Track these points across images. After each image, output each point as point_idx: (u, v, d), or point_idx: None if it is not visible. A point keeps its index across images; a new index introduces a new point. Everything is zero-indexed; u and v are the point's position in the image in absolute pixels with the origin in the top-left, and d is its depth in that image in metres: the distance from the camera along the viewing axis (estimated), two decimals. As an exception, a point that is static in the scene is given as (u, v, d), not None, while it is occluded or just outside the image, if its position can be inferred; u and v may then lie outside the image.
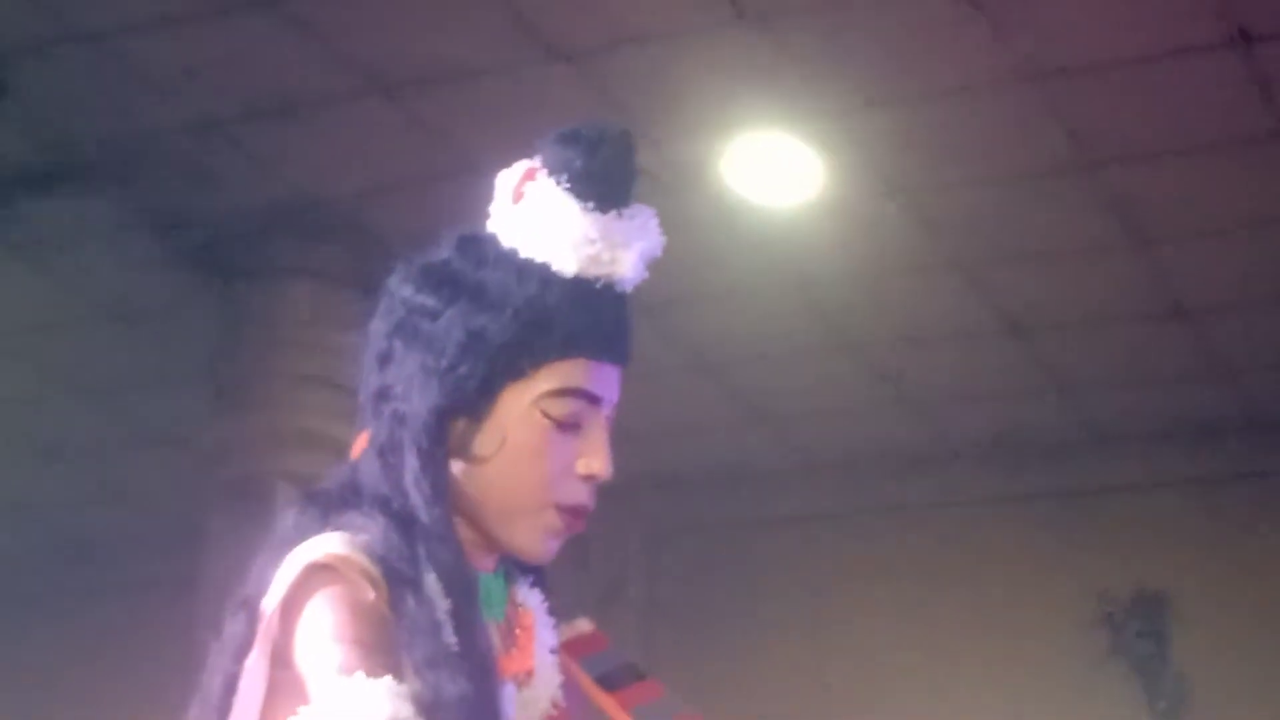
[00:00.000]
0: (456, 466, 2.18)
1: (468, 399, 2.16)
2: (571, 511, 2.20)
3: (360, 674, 1.94)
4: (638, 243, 2.21)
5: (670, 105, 6.26)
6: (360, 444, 2.25)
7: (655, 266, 2.24)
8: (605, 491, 2.23)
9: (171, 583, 8.09)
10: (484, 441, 2.18)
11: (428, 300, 2.21)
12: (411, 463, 2.15)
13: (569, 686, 2.29)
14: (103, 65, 6.29)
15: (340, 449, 7.26)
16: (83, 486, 9.13)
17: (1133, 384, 8.00)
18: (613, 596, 8.62)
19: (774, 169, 6.64)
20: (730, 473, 8.69)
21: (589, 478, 2.20)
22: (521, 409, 2.17)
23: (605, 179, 2.19)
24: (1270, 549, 8.11)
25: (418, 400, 2.17)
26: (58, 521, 9.48)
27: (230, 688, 2.13)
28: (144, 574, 9.18)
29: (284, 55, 6.22)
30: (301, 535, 2.14)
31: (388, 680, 1.93)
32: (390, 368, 2.21)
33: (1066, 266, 7.16)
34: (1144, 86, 6.23)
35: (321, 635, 2.02)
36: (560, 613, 2.33)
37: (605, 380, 2.21)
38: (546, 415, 2.17)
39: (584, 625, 2.35)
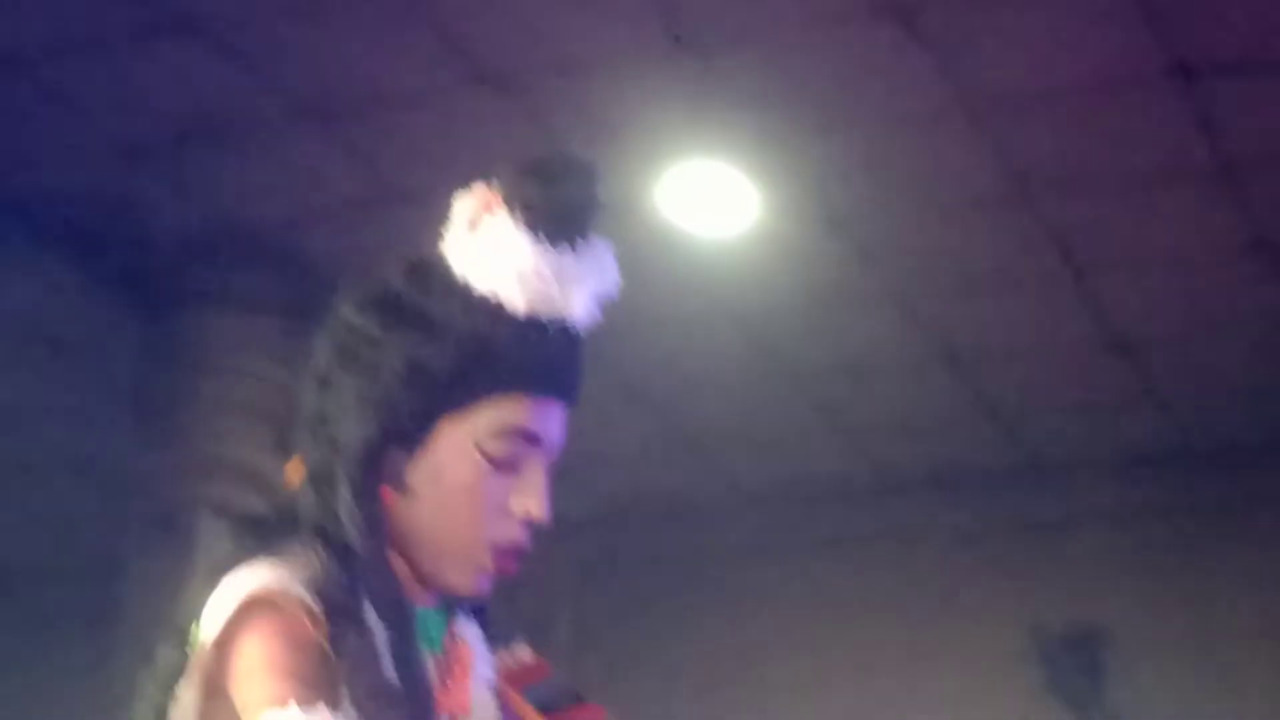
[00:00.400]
0: (390, 498, 2.13)
1: (403, 430, 2.12)
2: (505, 552, 2.16)
3: (294, 706, 1.92)
4: (591, 281, 2.16)
5: (605, 133, 6.19)
6: (296, 470, 2.21)
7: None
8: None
9: (89, 614, 8.01)
10: (417, 475, 2.13)
11: (370, 325, 2.15)
12: (344, 494, 2.11)
13: (507, 718, 2.25)
14: (27, 89, 6.19)
15: (264, 480, 7.15)
16: (0, 514, 9.01)
17: (1070, 414, 8.01)
18: (541, 632, 8.54)
19: (710, 198, 6.59)
20: (664, 505, 8.65)
21: (525, 520, 2.15)
22: (458, 444, 2.13)
23: (563, 214, 2.14)
24: (1206, 581, 8.12)
25: (353, 429, 2.12)
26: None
27: (160, 717, 2.10)
28: (61, 605, 9.08)
29: (213, 80, 6.14)
30: (238, 564, 2.10)
31: (323, 712, 1.92)
32: (328, 392, 2.16)
33: (1005, 297, 7.16)
34: (1084, 118, 6.23)
35: (258, 668, 1.99)
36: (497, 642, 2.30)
37: (548, 420, 2.16)
38: (483, 453, 2.12)
39: (524, 653, 2.31)
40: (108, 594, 7.05)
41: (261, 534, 2.17)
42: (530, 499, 2.15)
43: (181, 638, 2.12)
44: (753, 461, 8.40)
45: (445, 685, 2.19)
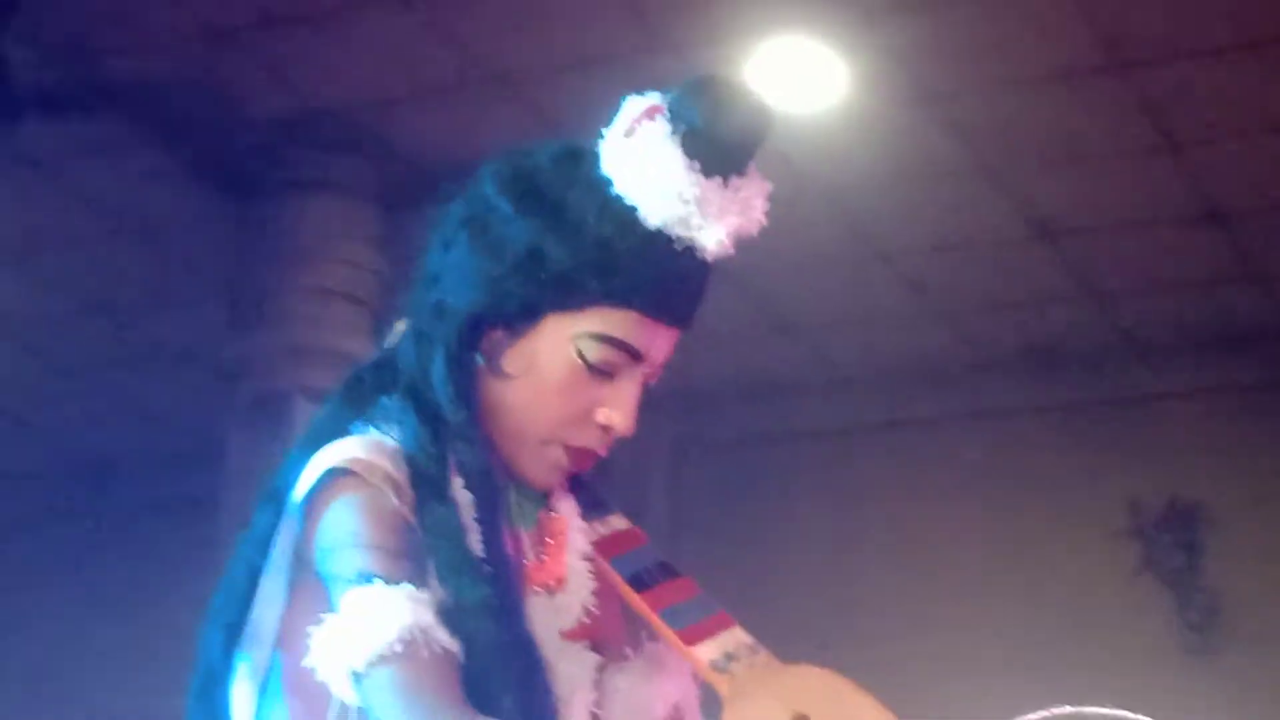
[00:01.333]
0: (484, 375, 2.16)
1: (510, 312, 2.13)
2: (579, 454, 2.17)
3: (380, 581, 1.95)
4: (733, 218, 2.12)
5: (694, 9, 6.16)
6: (401, 326, 2.24)
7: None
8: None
9: (190, 500, 8.10)
10: (513, 359, 2.14)
11: (505, 202, 2.15)
12: (439, 358, 2.14)
13: (604, 591, 2.25)
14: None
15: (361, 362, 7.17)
16: (98, 404, 9.10)
17: (1167, 290, 7.92)
18: (635, 511, 8.56)
19: (798, 75, 6.54)
20: (756, 385, 8.63)
21: (606, 428, 2.16)
22: (559, 340, 2.13)
23: (721, 144, 2.10)
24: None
25: (462, 297, 2.14)
26: (73, 440, 9.45)
27: (254, 579, 2.13)
28: (162, 492, 9.18)
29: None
30: (335, 427, 2.15)
31: (407, 586, 1.95)
32: (449, 255, 2.18)
33: (1098, 170, 7.08)
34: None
35: (340, 541, 2.02)
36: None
37: (653, 339, 2.16)
38: (581, 355, 2.12)
39: (619, 522, 2.32)
40: (207, 480, 7.13)
41: (360, 394, 2.20)
42: (617, 410, 2.15)
43: (277, 502, 2.14)
44: (845, 340, 8.37)
45: (539, 559, 2.20)
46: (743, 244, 2.15)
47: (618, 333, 2.13)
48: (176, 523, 8.66)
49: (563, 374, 2.14)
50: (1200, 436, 8.21)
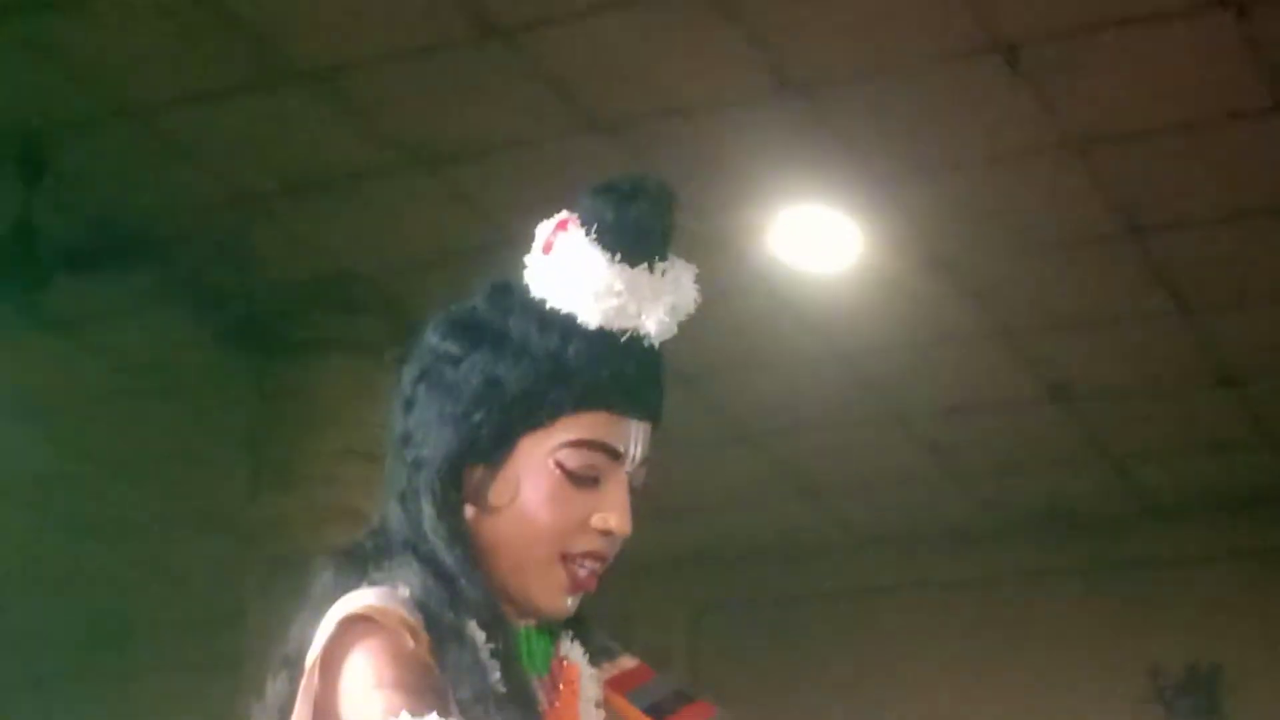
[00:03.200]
0: (472, 515, 2.17)
1: (483, 446, 2.15)
2: (583, 558, 2.17)
3: (405, 714, 1.92)
4: (667, 297, 2.15)
5: (713, 175, 6.24)
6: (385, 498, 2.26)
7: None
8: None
9: (213, 663, 8.07)
10: (498, 491, 2.16)
11: (451, 346, 2.20)
12: (428, 509, 2.14)
13: None
14: (143, 140, 6.31)
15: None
16: (122, 565, 9.11)
17: (1183, 454, 7.94)
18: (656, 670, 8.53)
19: (816, 239, 6.63)
20: (775, 546, 8.64)
21: (605, 533, 2.16)
22: (537, 459, 2.15)
23: (636, 231, 2.15)
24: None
25: (434, 446, 2.16)
26: (97, 600, 9.45)
27: None
28: (185, 654, 9.16)
29: (324, 130, 6.23)
30: (339, 590, 2.13)
31: (433, 718, 1.92)
32: (413, 413, 2.20)
33: (1112, 334, 7.12)
34: (1189, 153, 6.20)
35: (364, 684, 2.02)
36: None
37: (627, 435, 2.17)
38: (561, 467, 2.14)
39: (628, 662, 2.31)
40: (229, 641, 7.12)
41: (358, 560, 2.20)
42: (610, 512, 2.16)
43: (290, 669, 2.14)
44: (864, 502, 8.38)
45: (553, 706, 2.20)
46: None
47: (591, 435, 2.15)
48: (200, 684, 8.63)
49: (549, 490, 2.16)
50: (1219, 600, 8.19)
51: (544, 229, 2.20)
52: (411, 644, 2.05)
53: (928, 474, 8.11)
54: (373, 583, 2.13)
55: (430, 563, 2.14)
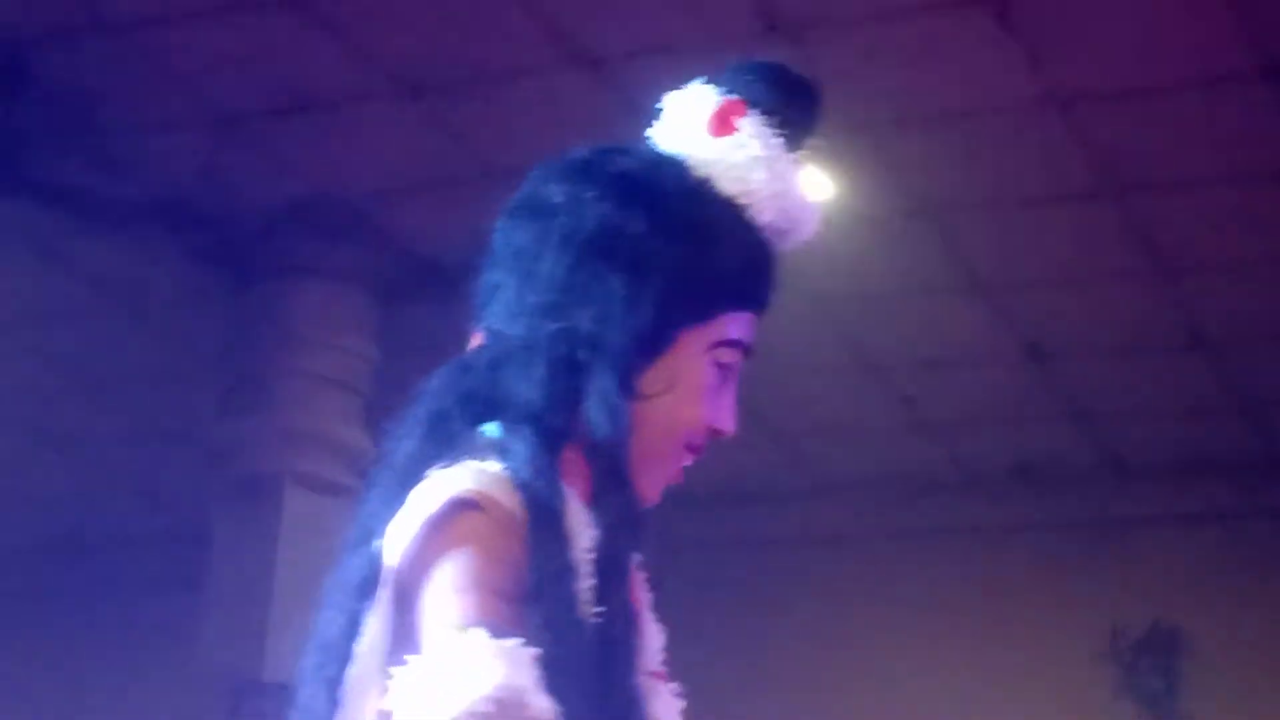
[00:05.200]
0: None
1: (659, 338, 2.04)
2: (693, 452, 2.10)
3: (485, 631, 1.78)
4: (815, 203, 2.11)
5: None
6: (476, 345, 2.10)
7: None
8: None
9: (175, 581, 8.07)
10: (653, 380, 2.05)
11: (635, 220, 2.05)
12: (607, 389, 2.00)
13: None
14: (125, 57, 6.25)
15: (351, 451, 7.13)
16: (87, 481, 9.07)
17: (1153, 415, 7.93)
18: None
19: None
20: (741, 491, 8.62)
21: (717, 432, 2.09)
22: (696, 353, 2.06)
23: (811, 131, 2.10)
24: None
25: (619, 324, 2.02)
26: (61, 516, 9.41)
27: (352, 630, 1.97)
28: (147, 571, 9.14)
29: (307, 52, 6.18)
30: (429, 463, 1.99)
31: (513, 640, 1.78)
32: (577, 277, 2.04)
33: (1089, 293, 7.11)
34: (1173, 115, 6.19)
35: (454, 582, 1.87)
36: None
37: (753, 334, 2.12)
38: (717, 363, 2.07)
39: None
40: (193, 560, 7.12)
41: (445, 432, 2.03)
42: (728, 412, 2.10)
43: (369, 547, 1.98)
44: (834, 451, 8.37)
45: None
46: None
47: (741, 335, 2.09)
48: (161, 601, 8.63)
49: (705, 384, 2.07)
50: (1181, 562, 8.20)
51: (700, 104, 2.10)
52: (511, 540, 1.90)
53: (896, 424, 8.10)
54: (470, 451, 1.98)
55: (552, 439, 1.99)
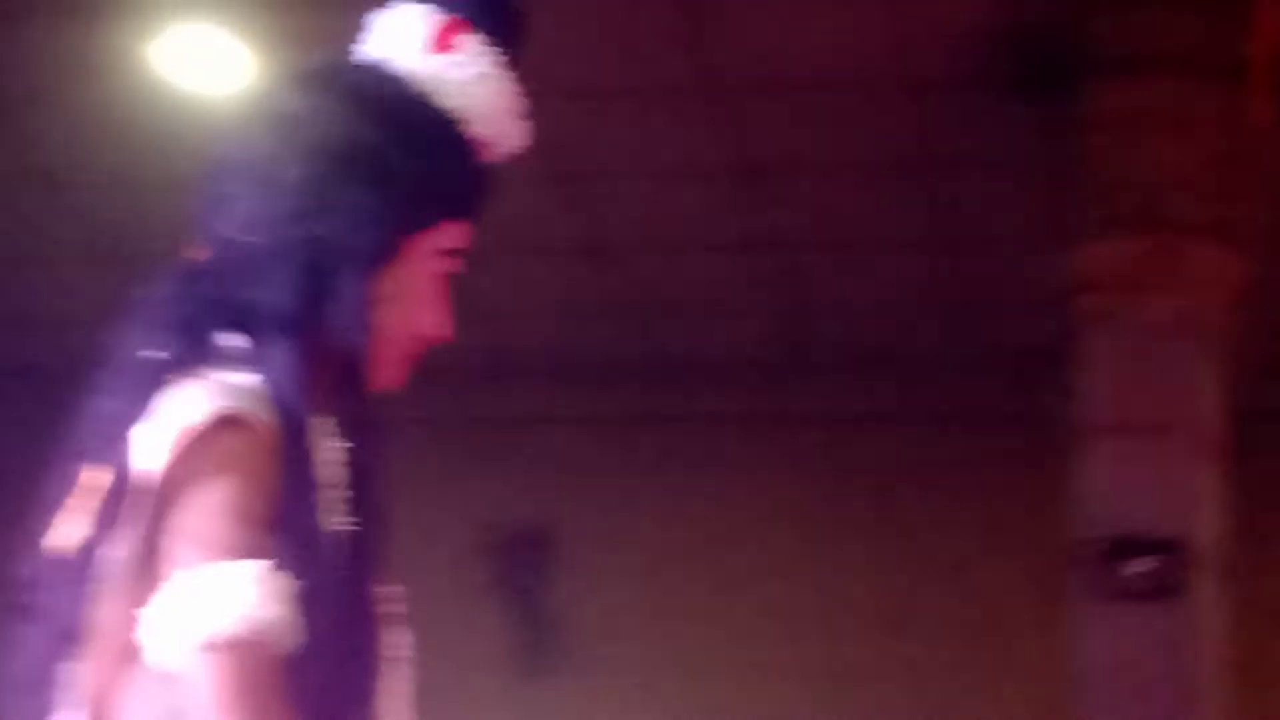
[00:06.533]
0: None
1: (389, 244, 2.15)
2: (414, 358, 2.23)
3: (238, 559, 1.88)
4: (524, 118, 2.28)
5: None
6: (200, 254, 2.14)
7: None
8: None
9: None
10: (385, 283, 2.14)
11: (371, 133, 2.15)
12: (354, 295, 2.10)
13: None
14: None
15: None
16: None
17: (540, 316, 8.14)
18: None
19: (204, 59, 6.61)
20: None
21: (438, 338, 2.22)
22: (421, 259, 2.17)
23: (520, 51, 2.26)
24: (669, 494, 8.38)
25: (363, 232, 2.12)
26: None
27: (91, 548, 2.00)
28: None
29: None
30: (179, 369, 2.02)
31: (266, 566, 1.88)
32: (308, 185, 2.11)
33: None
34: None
35: (208, 505, 1.93)
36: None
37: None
38: (441, 268, 2.19)
39: None
40: None
41: (195, 329, 2.08)
42: (446, 317, 2.21)
43: (114, 457, 2.00)
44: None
45: None
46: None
47: (462, 243, 2.21)
48: None
49: (429, 288, 2.18)
50: (557, 462, 8.44)
51: (422, 21, 2.24)
52: (270, 460, 1.96)
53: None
54: (220, 358, 2.04)
55: (300, 344, 2.07)
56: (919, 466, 8.65)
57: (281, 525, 1.96)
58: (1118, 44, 6.56)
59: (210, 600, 1.87)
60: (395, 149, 2.16)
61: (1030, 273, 7.30)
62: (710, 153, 6.99)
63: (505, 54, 2.26)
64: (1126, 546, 6.12)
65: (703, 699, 8.30)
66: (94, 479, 2.03)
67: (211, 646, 1.87)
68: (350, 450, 2.12)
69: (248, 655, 1.88)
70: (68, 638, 2.03)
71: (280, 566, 1.90)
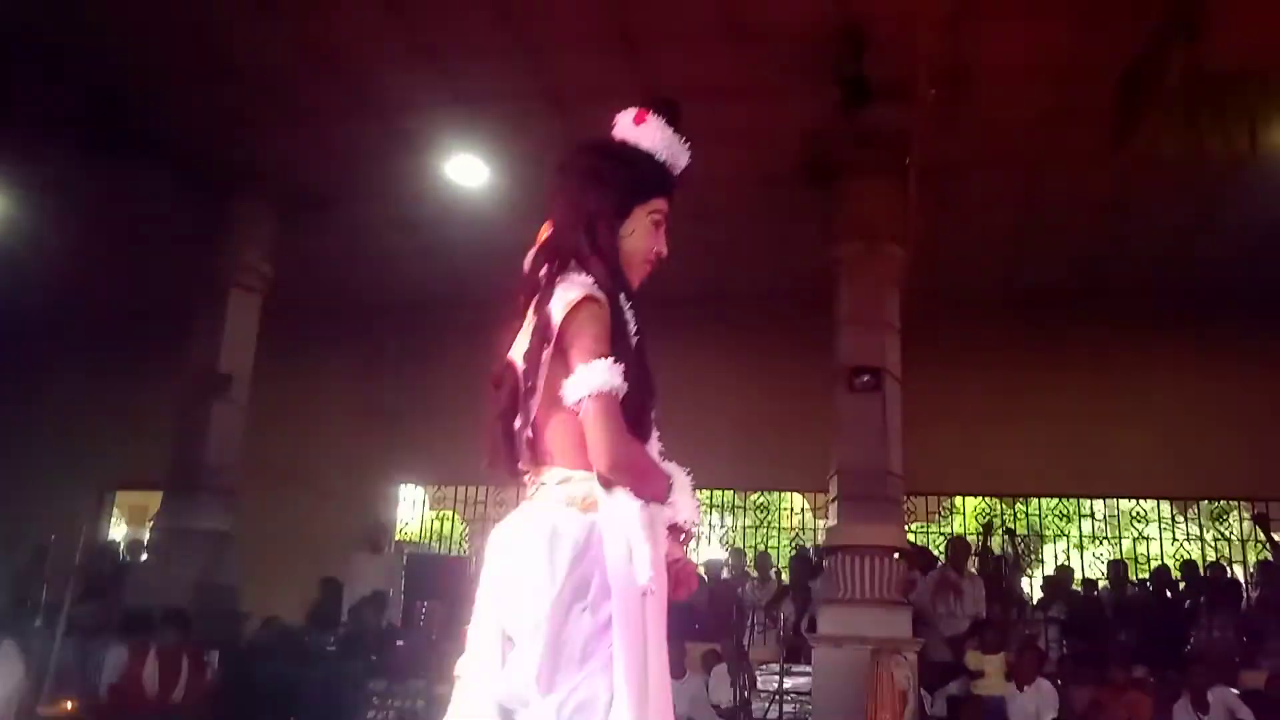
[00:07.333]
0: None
1: (624, 208, 3.93)
2: (652, 265, 4.08)
3: (602, 359, 3.72)
4: (685, 152, 4.11)
5: None
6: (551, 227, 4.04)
7: None
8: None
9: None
10: (625, 231, 3.97)
11: (609, 164, 3.97)
12: (605, 236, 3.90)
13: None
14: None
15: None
16: None
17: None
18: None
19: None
20: None
21: (660, 253, 4.07)
22: (643, 216, 3.99)
23: (675, 121, 4.02)
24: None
25: (607, 205, 3.93)
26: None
27: (539, 357, 3.85)
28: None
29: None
30: (560, 277, 3.82)
31: (614, 363, 3.72)
32: (587, 189, 3.93)
33: None
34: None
35: (589, 333, 3.71)
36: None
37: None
38: (654, 221, 4.01)
39: None
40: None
41: (562, 259, 3.92)
42: (664, 244, 4.02)
43: (544, 311, 3.82)
44: None
45: None
46: None
47: (663, 207, 3.98)
48: None
49: (651, 231, 3.95)
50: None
51: (626, 116, 4.08)
52: (608, 315, 3.80)
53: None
54: (580, 272, 3.85)
55: (606, 265, 3.88)
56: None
57: (614, 344, 3.72)
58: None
59: (592, 374, 3.67)
60: (619, 167, 3.96)
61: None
62: None
63: (670, 122, 3.98)
64: None
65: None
66: (532, 323, 3.85)
67: (595, 395, 3.65)
68: (633, 312, 3.84)
69: (609, 399, 3.62)
70: (529, 393, 3.83)
71: (616, 361, 3.67)
